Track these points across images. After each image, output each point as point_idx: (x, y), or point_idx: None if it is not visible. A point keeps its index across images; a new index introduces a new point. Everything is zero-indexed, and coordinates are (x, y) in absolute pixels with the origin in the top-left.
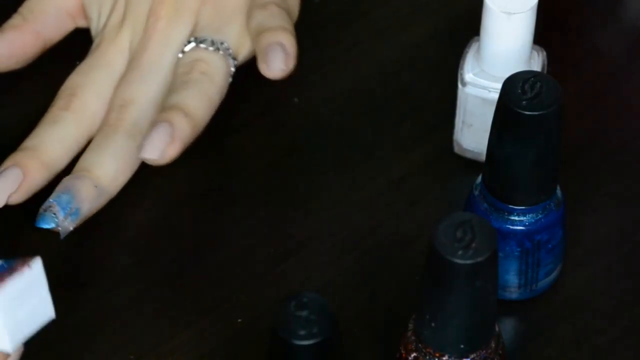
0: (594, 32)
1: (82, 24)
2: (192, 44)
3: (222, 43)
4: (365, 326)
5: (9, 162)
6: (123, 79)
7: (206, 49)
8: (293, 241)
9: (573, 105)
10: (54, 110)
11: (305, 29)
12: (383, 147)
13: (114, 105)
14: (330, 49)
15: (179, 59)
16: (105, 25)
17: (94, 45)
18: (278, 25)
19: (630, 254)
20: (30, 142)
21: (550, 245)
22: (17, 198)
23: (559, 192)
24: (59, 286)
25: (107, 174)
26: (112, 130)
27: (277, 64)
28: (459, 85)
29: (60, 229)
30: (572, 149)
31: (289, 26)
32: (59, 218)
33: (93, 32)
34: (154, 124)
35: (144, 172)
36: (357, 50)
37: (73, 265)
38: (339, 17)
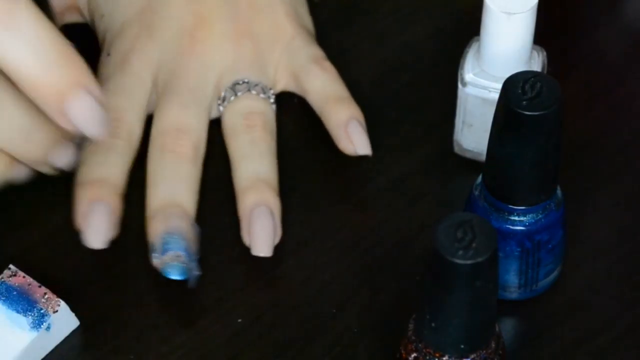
0: (594, 32)
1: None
2: (244, 88)
3: (270, 89)
4: (365, 326)
5: (89, 194)
6: (170, 101)
7: (257, 95)
8: (293, 241)
9: (573, 105)
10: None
11: None
12: (383, 147)
13: (168, 130)
14: (331, 49)
15: (231, 102)
16: (122, 30)
17: (117, 53)
18: (344, 95)
19: (630, 254)
20: (96, 171)
21: (550, 246)
22: (113, 235)
23: (559, 192)
24: (60, 286)
25: (192, 207)
26: (177, 158)
27: (364, 144)
28: (459, 85)
29: (190, 276)
30: (572, 149)
31: (348, 91)
32: (188, 265)
33: (102, 26)
34: (250, 210)
35: (144, 173)
36: (357, 50)
37: (73, 265)
38: (339, 17)
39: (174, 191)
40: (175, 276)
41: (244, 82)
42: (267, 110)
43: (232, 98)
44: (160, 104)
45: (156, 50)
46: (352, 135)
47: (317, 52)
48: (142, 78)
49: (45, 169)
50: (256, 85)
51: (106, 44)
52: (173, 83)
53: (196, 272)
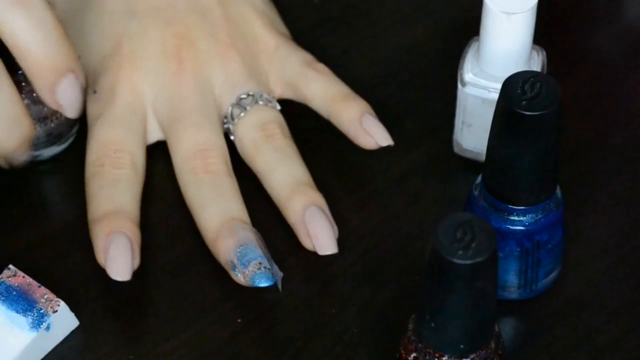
0: (594, 32)
1: None
2: (251, 101)
3: (273, 97)
4: (365, 326)
5: (105, 229)
6: (182, 125)
7: (265, 105)
8: (293, 241)
9: (573, 105)
10: (109, 170)
11: (306, 29)
12: (383, 146)
13: (193, 153)
14: (330, 49)
15: (241, 118)
16: (104, 66)
17: (103, 89)
18: (347, 92)
19: (630, 254)
20: (108, 204)
21: (550, 246)
22: (136, 264)
23: (558, 192)
24: (60, 286)
25: (247, 217)
26: (214, 176)
27: (384, 135)
28: (459, 85)
29: (276, 279)
30: (572, 149)
31: (349, 87)
32: (272, 269)
33: (84, 64)
34: (302, 214)
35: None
36: (357, 50)
37: (73, 265)
38: (339, 17)
39: (225, 208)
40: (264, 283)
41: (249, 95)
42: (278, 117)
43: (242, 114)
44: (172, 131)
45: (143, 78)
46: (369, 129)
47: (306, 56)
48: (134, 107)
49: (2, 163)
50: (261, 95)
51: (89, 83)
52: (177, 107)
53: (280, 273)
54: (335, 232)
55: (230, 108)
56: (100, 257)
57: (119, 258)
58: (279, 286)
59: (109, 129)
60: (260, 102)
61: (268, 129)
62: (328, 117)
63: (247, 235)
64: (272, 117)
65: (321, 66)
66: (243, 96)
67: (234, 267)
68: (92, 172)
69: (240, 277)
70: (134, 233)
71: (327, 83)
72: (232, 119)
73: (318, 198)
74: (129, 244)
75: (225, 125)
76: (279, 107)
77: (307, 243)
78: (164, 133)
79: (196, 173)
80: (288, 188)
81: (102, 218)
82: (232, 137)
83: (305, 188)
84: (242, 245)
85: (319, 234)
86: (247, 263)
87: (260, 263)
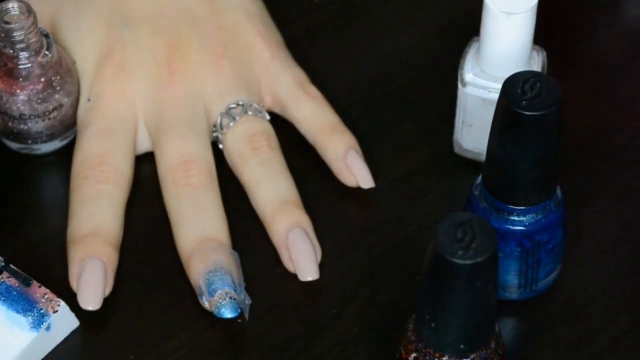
0: (594, 32)
1: None
2: (241, 110)
3: (262, 106)
4: (365, 326)
5: (80, 252)
6: (167, 135)
7: (254, 115)
8: None
9: (573, 105)
10: (92, 184)
11: (306, 29)
12: (383, 147)
13: (175, 164)
14: (330, 49)
15: (230, 128)
16: (98, 74)
17: (96, 97)
18: (336, 123)
19: (630, 254)
20: (87, 224)
21: (550, 246)
22: (108, 291)
23: (559, 192)
24: (60, 286)
25: (224, 235)
26: (194, 189)
27: (367, 177)
28: (459, 85)
29: (242, 308)
30: (572, 149)
31: (338, 116)
32: (238, 299)
33: (77, 73)
34: (285, 236)
35: (144, 173)
36: (357, 50)
37: None
38: (339, 17)
39: (201, 225)
40: (229, 314)
41: (238, 105)
42: (267, 127)
43: (231, 124)
44: (157, 142)
45: (134, 88)
46: (352, 167)
47: (300, 74)
48: (125, 117)
49: None
50: (250, 105)
51: (83, 89)
52: (163, 118)
53: (248, 302)
54: (318, 256)
55: (219, 117)
56: (73, 283)
57: (90, 287)
58: (246, 315)
59: (96, 140)
60: (250, 113)
61: (254, 141)
62: (313, 145)
63: (219, 259)
64: (260, 128)
65: (313, 89)
66: (232, 106)
67: (201, 294)
68: (75, 184)
69: (206, 304)
70: (109, 257)
71: (317, 109)
72: (221, 128)
73: (302, 218)
74: (102, 271)
75: (215, 134)
76: (268, 117)
77: (289, 266)
78: (151, 143)
79: (177, 185)
80: (272, 206)
81: (80, 240)
82: (220, 146)
83: (290, 207)
84: (211, 272)
85: (301, 260)
86: (214, 292)
87: (226, 293)
